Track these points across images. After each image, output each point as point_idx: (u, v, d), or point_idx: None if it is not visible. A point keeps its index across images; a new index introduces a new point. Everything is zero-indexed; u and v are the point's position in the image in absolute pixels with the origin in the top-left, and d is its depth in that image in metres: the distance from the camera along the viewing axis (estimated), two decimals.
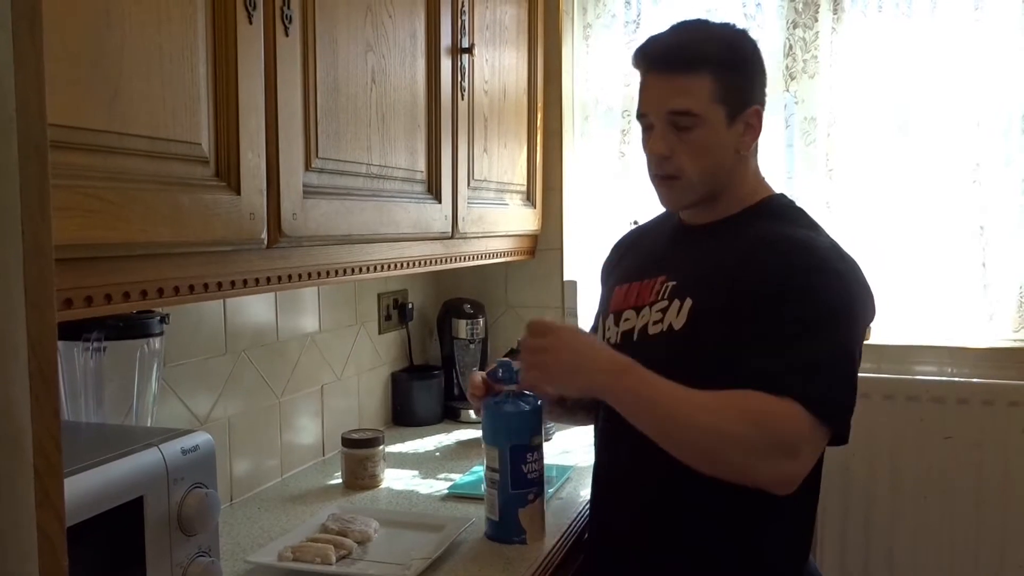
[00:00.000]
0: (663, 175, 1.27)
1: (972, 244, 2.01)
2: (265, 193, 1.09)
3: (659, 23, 2.14)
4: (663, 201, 1.32)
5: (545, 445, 1.40)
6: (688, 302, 1.21)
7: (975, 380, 1.99)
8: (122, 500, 0.85)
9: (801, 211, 1.31)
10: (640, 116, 1.28)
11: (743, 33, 1.29)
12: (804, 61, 2.09)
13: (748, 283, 1.17)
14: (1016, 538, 1.96)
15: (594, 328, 1.45)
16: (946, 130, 2.01)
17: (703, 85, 1.21)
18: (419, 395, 2.14)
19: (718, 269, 1.23)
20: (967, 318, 2.03)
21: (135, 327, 1.16)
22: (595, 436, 1.41)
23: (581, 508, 1.52)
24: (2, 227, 0.44)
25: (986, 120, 1.98)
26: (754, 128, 1.25)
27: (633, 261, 1.40)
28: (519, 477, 1.33)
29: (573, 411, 1.45)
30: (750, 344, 1.14)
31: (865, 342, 2.02)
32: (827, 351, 1.13)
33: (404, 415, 2.14)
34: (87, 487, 0.82)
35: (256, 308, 1.65)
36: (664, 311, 1.24)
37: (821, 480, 1.26)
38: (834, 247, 1.22)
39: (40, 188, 0.46)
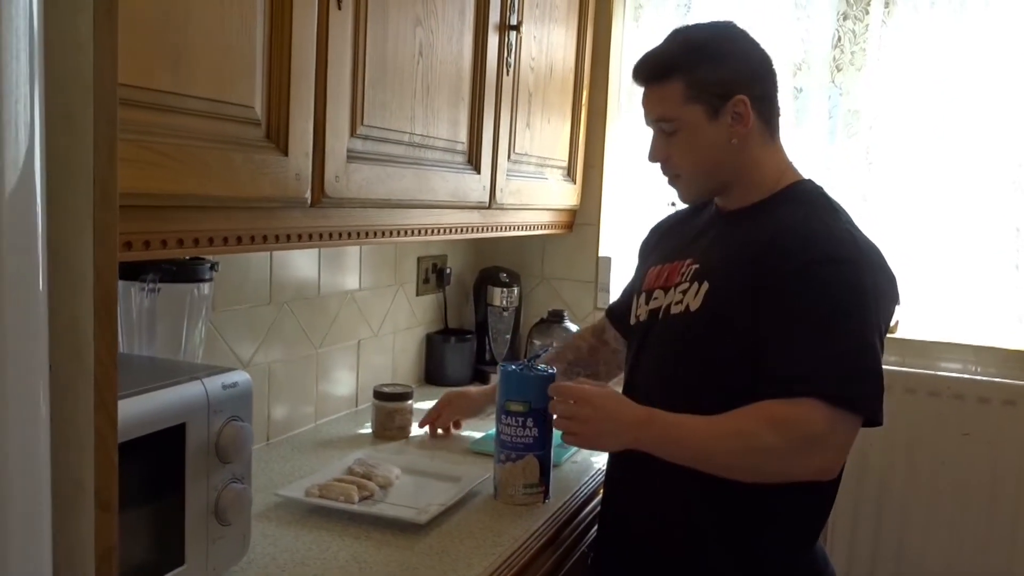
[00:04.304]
0: (667, 176, 1.38)
1: (1007, 245, 2.02)
2: (311, 156, 1.18)
3: (710, 5, 2.17)
4: (679, 197, 1.41)
5: None
6: (705, 285, 1.27)
7: (997, 380, 2.00)
8: (167, 424, 0.95)
9: (824, 196, 1.33)
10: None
11: (722, 27, 1.34)
12: (852, 53, 2.09)
13: (762, 271, 1.21)
14: None
15: (625, 302, 1.54)
16: (990, 129, 2.01)
17: (674, 90, 1.29)
18: (451, 357, 2.24)
19: (735, 255, 1.28)
20: (996, 318, 2.04)
21: (187, 272, 1.26)
22: None
23: (595, 472, 1.60)
24: (78, 175, 0.53)
25: None
26: (743, 116, 1.28)
27: (670, 243, 1.46)
28: (497, 435, 1.42)
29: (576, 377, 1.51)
30: (767, 342, 1.19)
31: (891, 335, 2.06)
32: (843, 343, 1.16)
33: (436, 375, 2.23)
34: (137, 410, 0.92)
35: (300, 263, 1.75)
36: (685, 292, 1.30)
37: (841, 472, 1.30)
38: (850, 234, 1.24)
39: (110, 142, 0.54)
